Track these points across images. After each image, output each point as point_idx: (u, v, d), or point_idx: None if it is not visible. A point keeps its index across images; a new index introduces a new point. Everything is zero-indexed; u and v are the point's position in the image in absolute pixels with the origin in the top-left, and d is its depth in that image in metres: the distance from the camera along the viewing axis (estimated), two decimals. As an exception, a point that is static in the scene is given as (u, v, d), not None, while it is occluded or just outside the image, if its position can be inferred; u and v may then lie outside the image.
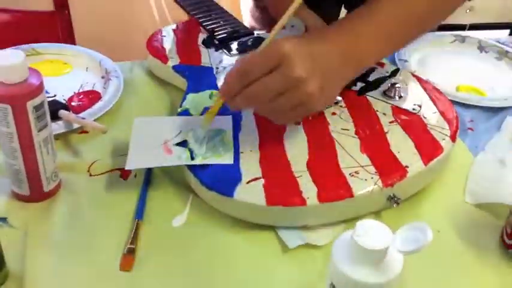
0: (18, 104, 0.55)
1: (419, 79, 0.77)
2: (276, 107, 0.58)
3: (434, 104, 0.72)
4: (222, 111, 0.63)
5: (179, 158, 0.62)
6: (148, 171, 0.66)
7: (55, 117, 0.70)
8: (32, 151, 0.59)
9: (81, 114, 0.72)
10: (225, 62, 0.79)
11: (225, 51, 0.81)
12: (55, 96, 0.76)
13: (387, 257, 0.40)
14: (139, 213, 0.61)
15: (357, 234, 0.39)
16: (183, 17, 0.92)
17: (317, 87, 0.57)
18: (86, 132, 0.72)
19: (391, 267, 0.40)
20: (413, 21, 0.66)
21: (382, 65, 0.79)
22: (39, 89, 0.57)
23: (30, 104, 0.56)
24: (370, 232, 0.39)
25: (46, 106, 0.58)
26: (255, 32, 0.85)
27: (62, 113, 0.70)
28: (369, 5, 0.65)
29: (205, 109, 0.69)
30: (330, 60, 0.59)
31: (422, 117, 0.69)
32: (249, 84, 0.57)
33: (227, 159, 0.62)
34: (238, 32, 0.84)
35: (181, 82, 0.78)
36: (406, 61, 0.87)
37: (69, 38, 0.97)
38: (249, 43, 0.82)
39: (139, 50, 0.91)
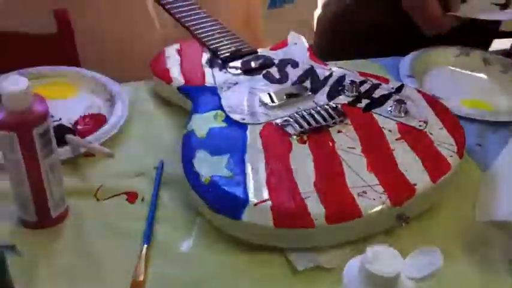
0: (23, 131, 0.55)
1: (424, 94, 0.77)
2: None
3: (440, 119, 0.71)
4: None
5: None
6: (155, 195, 0.66)
7: (61, 142, 0.70)
8: (39, 177, 0.59)
9: (88, 138, 0.72)
10: (229, 81, 0.79)
11: (229, 70, 0.81)
12: (60, 120, 0.76)
13: (399, 282, 0.39)
14: (147, 238, 0.61)
15: (367, 261, 0.39)
16: (186, 34, 0.93)
17: None
18: (93, 155, 0.72)
19: (403, 292, 0.40)
20: None
21: (386, 81, 0.79)
22: (45, 115, 0.57)
23: (35, 131, 0.56)
24: (381, 258, 0.39)
25: (52, 132, 0.58)
26: (258, 50, 0.85)
27: (69, 138, 0.70)
28: None
29: (210, 130, 0.69)
30: None
31: (429, 134, 0.69)
32: None
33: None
34: (241, 50, 0.84)
35: (186, 103, 0.78)
36: (410, 76, 0.87)
37: (73, 59, 0.97)
38: (252, 62, 0.82)
39: (142, 68, 0.91)
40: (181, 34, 0.92)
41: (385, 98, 0.74)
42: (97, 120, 0.77)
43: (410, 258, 0.40)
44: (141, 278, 0.57)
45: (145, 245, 0.60)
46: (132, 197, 0.67)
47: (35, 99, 0.56)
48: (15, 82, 0.54)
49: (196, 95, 0.77)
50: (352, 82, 0.76)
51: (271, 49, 0.87)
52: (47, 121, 0.57)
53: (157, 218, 0.64)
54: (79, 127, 0.76)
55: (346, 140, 0.67)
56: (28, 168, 0.57)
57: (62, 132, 0.71)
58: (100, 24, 1.06)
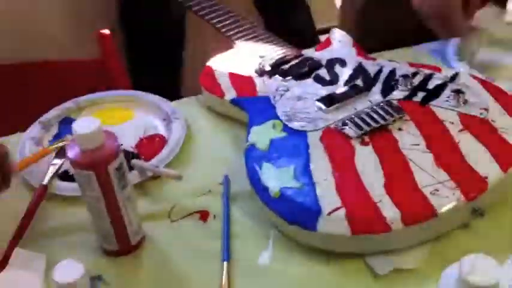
0: (100, 169, 0.57)
1: (479, 79, 0.76)
2: None
3: (501, 104, 0.71)
4: None
5: None
6: (227, 211, 0.67)
7: (128, 167, 0.72)
8: (118, 210, 0.60)
9: (153, 162, 0.73)
10: (280, 88, 0.79)
11: (279, 77, 0.81)
12: (122, 145, 0.78)
13: (499, 290, 0.40)
14: (226, 255, 0.63)
15: (464, 270, 0.39)
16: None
17: None
18: (158, 177, 0.74)
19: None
20: None
21: (438, 70, 0.78)
22: (118, 150, 0.58)
23: (111, 167, 0.58)
24: (478, 267, 0.39)
25: (125, 165, 0.60)
26: (303, 52, 0.86)
27: (135, 162, 0.72)
28: None
29: (272, 141, 0.70)
30: None
31: (491, 121, 0.68)
32: None
33: None
34: (287, 55, 0.85)
35: (241, 114, 0.79)
36: (461, 60, 0.85)
37: (123, 82, 0.99)
38: (301, 66, 0.82)
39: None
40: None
41: (441, 89, 0.74)
42: (157, 141, 0.79)
43: (509, 264, 0.41)
44: (227, 296, 0.58)
45: (225, 262, 0.62)
46: (204, 215, 0.68)
47: (106, 135, 0.58)
48: (88, 122, 0.56)
49: (250, 106, 0.78)
50: (405, 76, 0.75)
51: (316, 50, 0.87)
52: (121, 155, 0.59)
53: (232, 234, 0.65)
54: (140, 150, 0.78)
55: (408, 138, 0.67)
56: (107, 202, 0.59)
57: (127, 158, 0.73)
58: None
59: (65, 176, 0.73)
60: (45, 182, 0.71)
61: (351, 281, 0.59)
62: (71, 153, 0.58)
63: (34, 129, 0.80)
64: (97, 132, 0.56)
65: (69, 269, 0.50)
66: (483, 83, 0.75)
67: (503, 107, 0.70)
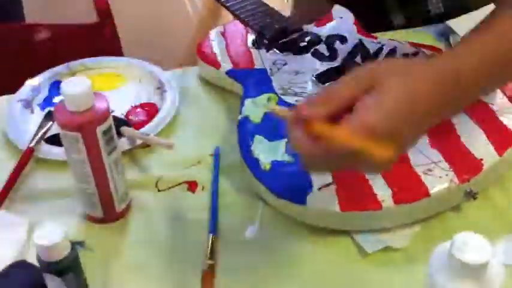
0: (88, 131, 0.56)
1: (480, 63, 0.74)
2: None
3: (501, 89, 0.69)
4: None
5: None
6: (216, 183, 0.66)
7: (117, 134, 0.70)
8: (104, 174, 0.59)
9: (143, 129, 0.72)
10: (278, 62, 0.77)
11: (277, 50, 0.79)
12: (113, 112, 0.77)
13: (488, 269, 0.39)
14: (213, 227, 0.61)
15: (455, 248, 0.38)
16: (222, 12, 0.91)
17: (396, 158, 0.47)
18: (148, 145, 0.72)
19: (492, 281, 0.39)
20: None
21: (439, 50, 0.77)
22: (107, 113, 0.57)
23: (99, 130, 0.56)
24: (469, 245, 0.38)
25: (113, 129, 0.59)
26: (304, 27, 0.84)
27: (125, 129, 0.70)
28: (467, 41, 0.55)
29: (265, 115, 0.68)
30: (423, 121, 0.49)
31: (490, 104, 0.67)
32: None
33: None
34: (286, 29, 0.83)
35: (236, 86, 0.77)
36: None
37: (116, 47, 0.97)
38: (300, 40, 0.80)
39: (181, 50, 0.90)
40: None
41: (440, 70, 0.72)
42: (149, 110, 0.77)
43: (503, 245, 0.40)
44: (212, 267, 0.57)
45: (212, 234, 0.61)
46: (192, 186, 0.67)
47: (96, 97, 0.56)
48: (78, 83, 0.55)
49: (246, 78, 0.76)
50: (405, 55, 0.74)
51: (316, 25, 0.85)
52: (109, 118, 0.57)
53: (220, 206, 0.64)
54: (131, 117, 0.76)
55: (404, 117, 0.66)
56: (93, 166, 0.58)
57: (117, 124, 0.71)
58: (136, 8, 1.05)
59: (54, 140, 0.72)
60: (32, 144, 0.69)
61: (338, 259, 0.58)
62: (59, 113, 0.56)
63: (23, 92, 0.79)
64: (86, 93, 0.55)
65: (50, 233, 0.49)
66: (484, 66, 0.73)
67: (503, 91, 0.69)
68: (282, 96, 0.71)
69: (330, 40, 0.80)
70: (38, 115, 0.76)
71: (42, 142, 0.71)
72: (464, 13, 0.87)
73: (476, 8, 0.85)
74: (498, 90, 0.69)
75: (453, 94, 0.51)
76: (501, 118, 0.65)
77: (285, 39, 0.81)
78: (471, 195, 0.59)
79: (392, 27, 0.91)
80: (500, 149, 0.61)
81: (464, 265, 0.38)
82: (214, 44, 0.82)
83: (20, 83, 0.80)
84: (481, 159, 0.60)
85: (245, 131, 0.67)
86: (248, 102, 0.71)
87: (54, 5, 1.09)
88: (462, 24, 0.87)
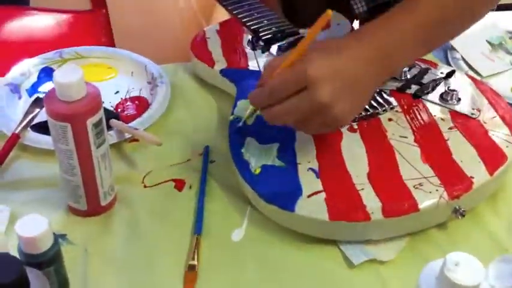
0: (77, 122, 0.55)
1: (475, 80, 0.74)
2: (304, 126, 0.59)
3: (493, 107, 0.69)
4: None
5: None
6: (204, 183, 0.65)
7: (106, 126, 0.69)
8: (91, 167, 0.58)
9: (133, 124, 0.70)
10: (273, 64, 0.77)
11: (272, 53, 0.79)
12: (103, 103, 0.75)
13: (479, 291, 0.39)
14: (198, 227, 0.60)
15: (447, 268, 0.38)
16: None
17: (343, 110, 0.56)
18: (137, 140, 0.71)
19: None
20: (448, 21, 0.63)
21: (435, 65, 0.77)
22: (99, 105, 0.56)
23: (89, 121, 0.55)
24: (461, 266, 0.38)
25: (104, 121, 0.57)
26: (301, 31, 0.83)
27: (114, 122, 0.69)
28: (403, 4, 0.62)
29: (258, 117, 0.67)
30: (360, 73, 0.57)
31: (482, 122, 0.67)
32: (276, 103, 0.57)
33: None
34: (283, 31, 0.82)
35: (228, 86, 0.76)
36: (459, 60, 0.84)
37: (107, 36, 0.95)
38: (295, 44, 0.80)
39: (171, 44, 0.88)
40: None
41: (435, 84, 0.72)
42: (139, 104, 0.76)
43: (492, 267, 0.39)
44: (194, 268, 0.56)
45: (197, 235, 0.60)
46: (179, 184, 0.66)
47: (88, 88, 0.55)
48: (71, 72, 0.53)
49: (239, 78, 0.75)
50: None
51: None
52: (101, 111, 0.56)
53: (206, 206, 0.63)
54: (120, 110, 0.75)
55: (397, 129, 0.66)
56: (80, 158, 0.57)
57: (106, 117, 0.69)
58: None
59: (40, 127, 0.70)
60: (18, 130, 0.68)
61: (324, 268, 0.57)
62: (48, 102, 0.54)
63: (12, 76, 0.77)
64: (79, 83, 0.53)
65: (33, 223, 0.48)
66: (478, 83, 0.74)
67: (496, 111, 0.69)
68: (276, 100, 0.70)
69: (327, 46, 0.80)
70: (26, 101, 0.74)
71: (29, 129, 0.69)
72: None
73: None
74: (492, 109, 0.69)
75: (382, 64, 0.59)
76: (493, 137, 0.65)
77: (281, 42, 0.80)
78: (459, 213, 0.59)
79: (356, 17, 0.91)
80: (491, 167, 0.61)
81: (456, 286, 0.37)
82: (210, 40, 0.81)
83: (8, 68, 0.78)
84: (472, 177, 0.60)
85: (236, 133, 0.66)
86: (240, 103, 0.70)
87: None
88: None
